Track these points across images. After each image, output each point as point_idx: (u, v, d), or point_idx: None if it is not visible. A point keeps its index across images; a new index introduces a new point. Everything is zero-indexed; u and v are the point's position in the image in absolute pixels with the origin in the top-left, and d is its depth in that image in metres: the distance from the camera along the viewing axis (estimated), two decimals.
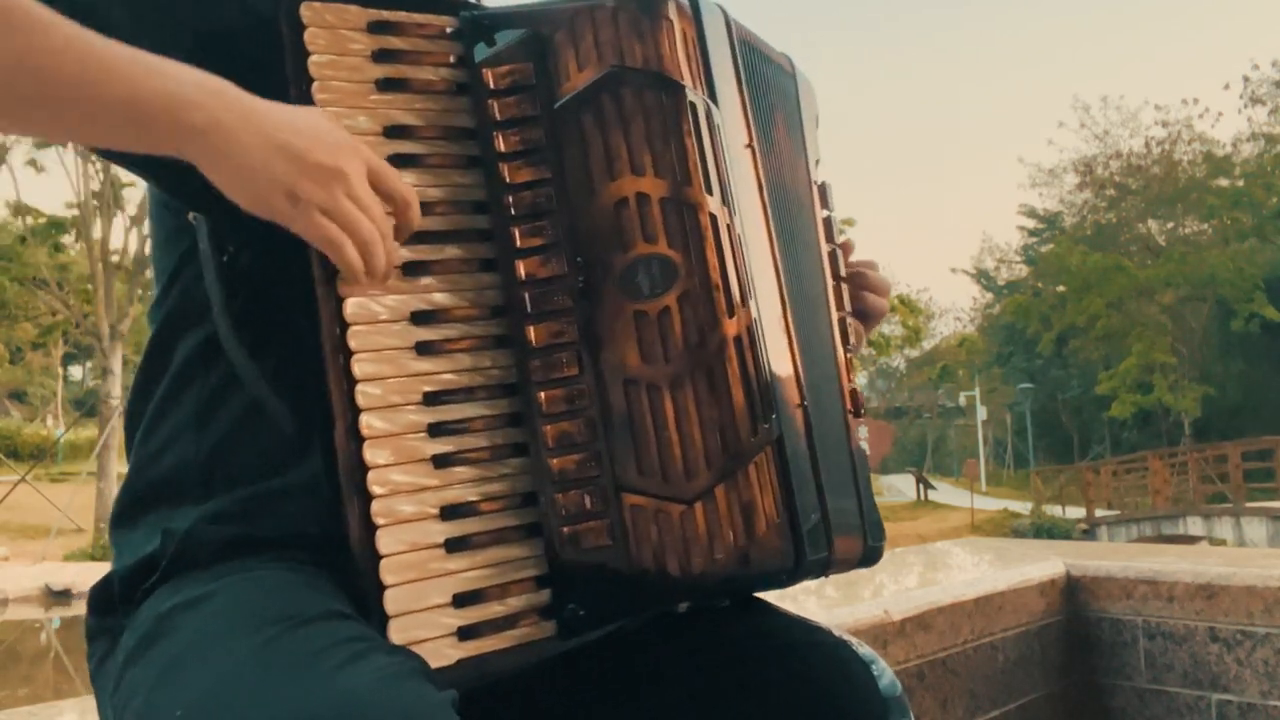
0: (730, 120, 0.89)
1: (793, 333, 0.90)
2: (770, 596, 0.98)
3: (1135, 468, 26.13)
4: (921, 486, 33.85)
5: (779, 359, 0.87)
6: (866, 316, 1.10)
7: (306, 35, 0.78)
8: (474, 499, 0.80)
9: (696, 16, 0.87)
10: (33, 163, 21.25)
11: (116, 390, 18.95)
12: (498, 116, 0.84)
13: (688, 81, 0.84)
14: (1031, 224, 43.93)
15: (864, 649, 0.93)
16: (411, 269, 0.81)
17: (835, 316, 1.01)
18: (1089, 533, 22.01)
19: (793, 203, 0.98)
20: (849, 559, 0.94)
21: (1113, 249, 32.34)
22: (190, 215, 0.85)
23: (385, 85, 0.82)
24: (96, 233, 19.79)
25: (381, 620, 0.75)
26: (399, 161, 0.80)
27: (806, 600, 2.09)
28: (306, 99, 0.78)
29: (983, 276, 49.53)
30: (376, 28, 0.82)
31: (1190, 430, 31.45)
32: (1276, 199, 29.45)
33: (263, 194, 0.71)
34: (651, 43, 0.84)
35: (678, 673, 0.92)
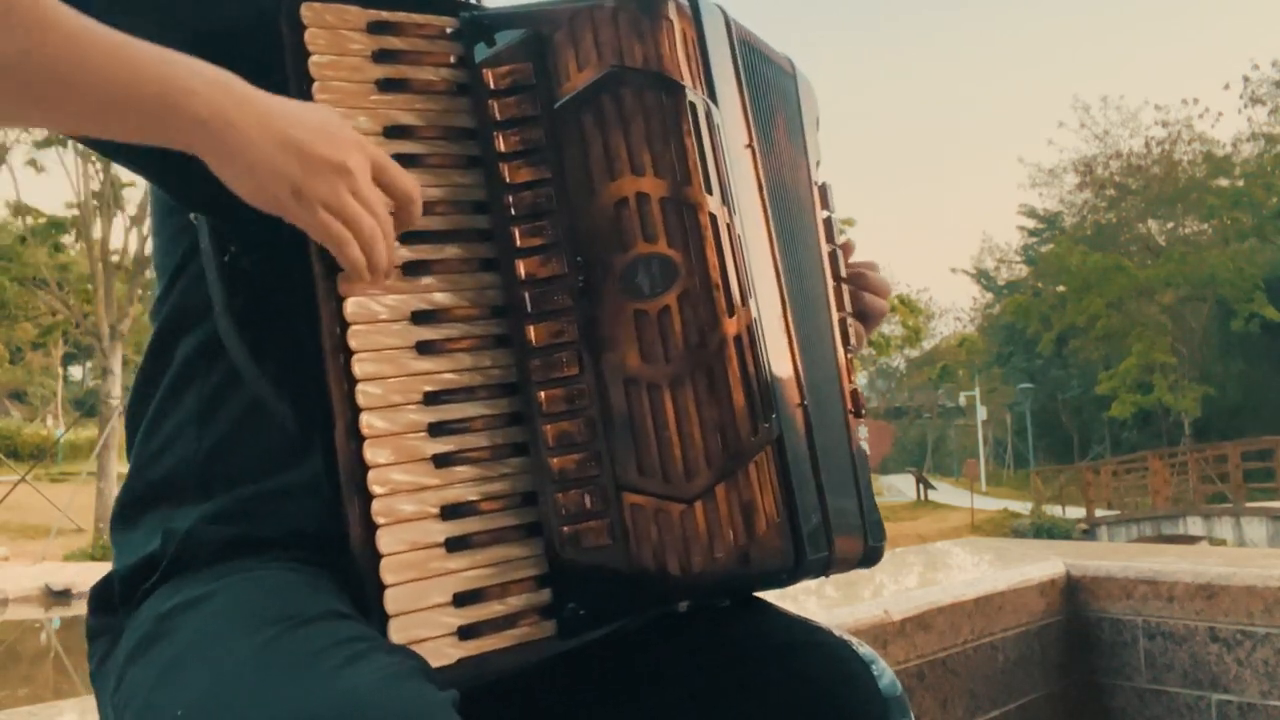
0: (730, 120, 0.89)
1: (793, 333, 0.90)
2: (770, 596, 0.98)
3: (1135, 468, 26.14)
4: (921, 486, 33.84)
5: (779, 359, 0.87)
6: (867, 317, 1.10)
7: (307, 35, 0.78)
8: (474, 498, 0.80)
9: (696, 16, 0.87)
10: (33, 163, 21.27)
11: (116, 390, 18.95)
12: (498, 116, 0.84)
13: (688, 81, 0.84)
14: (1031, 224, 43.97)
15: (864, 649, 0.93)
16: (412, 268, 0.81)
17: (835, 317, 1.01)
18: (1089, 533, 22.02)
19: (793, 203, 0.98)
20: (849, 559, 0.94)
21: (1113, 249, 32.34)
22: (192, 215, 0.85)
23: (385, 85, 0.82)
24: (96, 233, 19.79)
25: (382, 619, 0.75)
26: (399, 161, 0.80)
27: (806, 600, 2.09)
28: (306, 99, 0.78)
29: (983, 276, 49.56)
30: (376, 28, 0.82)
31: (1190, 430, 31.45)
32: (1276, 199, 29.47)
33: (266, 187, 0.71)
34: (651, 43, 0.84)
35: (678, 673, 0.92)
